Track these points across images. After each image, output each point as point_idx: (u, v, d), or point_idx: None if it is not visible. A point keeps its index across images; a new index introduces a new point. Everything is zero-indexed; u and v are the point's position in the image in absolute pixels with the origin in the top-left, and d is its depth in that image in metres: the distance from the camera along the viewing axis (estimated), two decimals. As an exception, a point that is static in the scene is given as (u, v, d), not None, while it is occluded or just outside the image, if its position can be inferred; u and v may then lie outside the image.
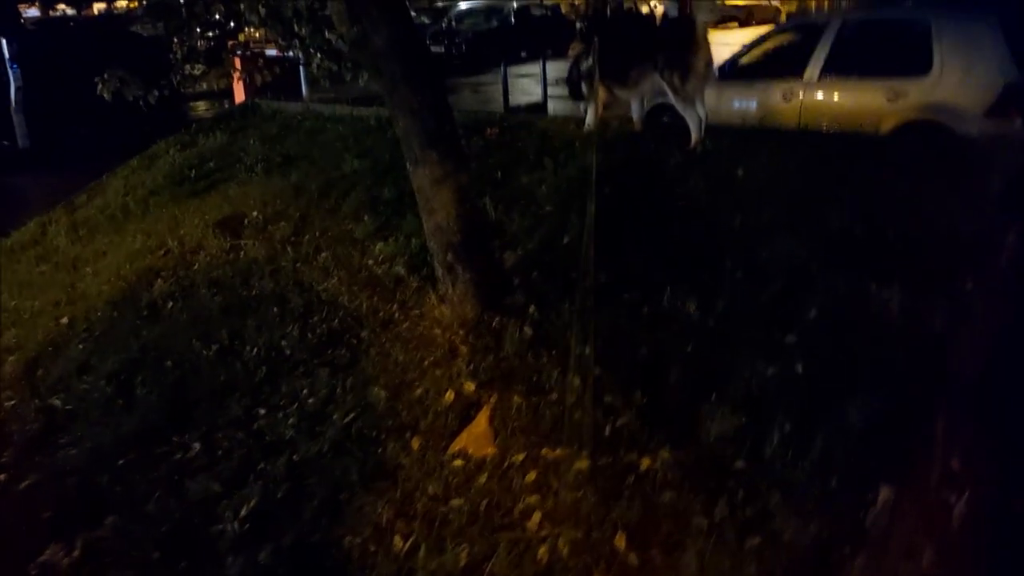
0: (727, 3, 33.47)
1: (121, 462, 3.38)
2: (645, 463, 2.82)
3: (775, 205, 4.29)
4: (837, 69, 6.56)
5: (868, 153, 5.21)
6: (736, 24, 30.85)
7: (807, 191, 4.45)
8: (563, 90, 6.33)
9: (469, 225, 3.82)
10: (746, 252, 3.87)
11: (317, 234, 5.13)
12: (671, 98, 5.49)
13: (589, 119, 5.94)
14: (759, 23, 28.14)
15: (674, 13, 5.66)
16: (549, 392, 3.28)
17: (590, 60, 5.66)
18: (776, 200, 4.35)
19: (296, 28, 3.32)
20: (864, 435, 2.72)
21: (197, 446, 3.42)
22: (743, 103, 7.43)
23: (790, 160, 5.00)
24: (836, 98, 6.58)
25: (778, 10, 32.10)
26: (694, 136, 5.39)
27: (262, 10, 3.18)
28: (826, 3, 29.53)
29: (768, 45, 7.67)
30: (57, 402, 3.88)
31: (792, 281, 3.58)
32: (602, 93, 5.77)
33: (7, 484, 3.34)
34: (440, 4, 29.61)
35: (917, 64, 5.92)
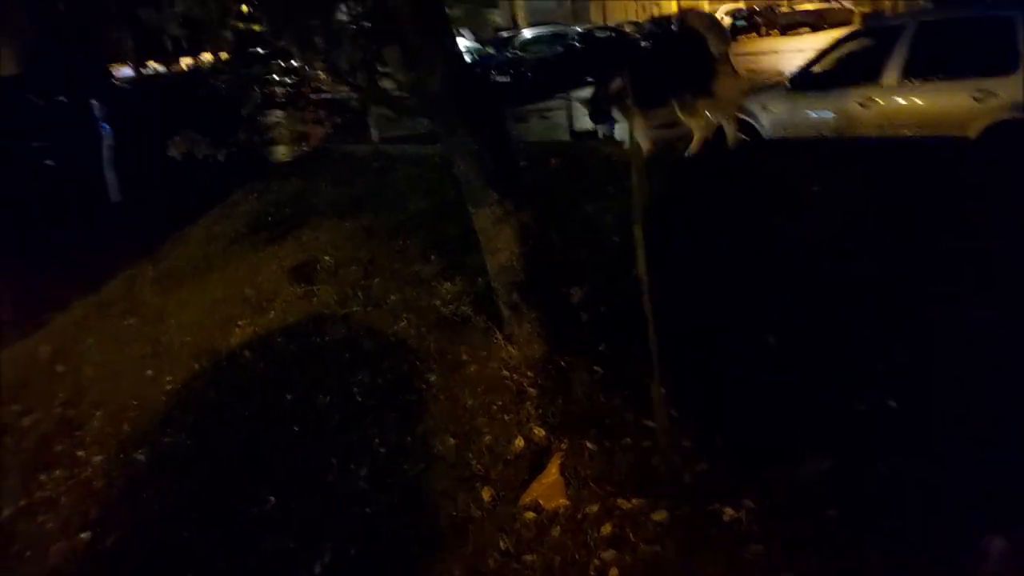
0: (797, 8, 32.78)
1: (200, 516, 3.41)
2: (728, 513, 2.65)
3: (861, 223, 4.08)
4: (917, 72, 6.26)
5: (956, 158, 4.93)
6: (808, 29, 30.13)
7: (894, 204, 4.21)
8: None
9: (533, 263, 3.74)
10: (832, 276, 3.67)
11: (387, 276, 5.14)
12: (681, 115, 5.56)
13: (622, 137, 5.92)
14: (832, 27, 27.38)
15: (679, 36, 5.63)
16: (623, 436, 3.15)
17: (619, 81, 5.63)
18: (862, 218, 4.13)
19: (352, 78, 3.34)
20: (969, 478, 2.50)
21: (272, 499, 3.43)
22: (818, 113, 7.17)
23: (874, 172, 4.77)
24: (918, 102, 6.27)
25: (851, 12, 31.18)
26: (729, 136, 5.49)
27: (320, 64, 3.21)
28: (900, 4, 28.56)
29: (841, 51, 7.40)
30: (141, 456, 3.96)
31: (883, 307, 3.37)
32: (636, 115, 5.72)
33: (92, 543, 3.40)
34: (505, 34, 29.96)
35: (1003, 62, 5.59)
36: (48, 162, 14.08)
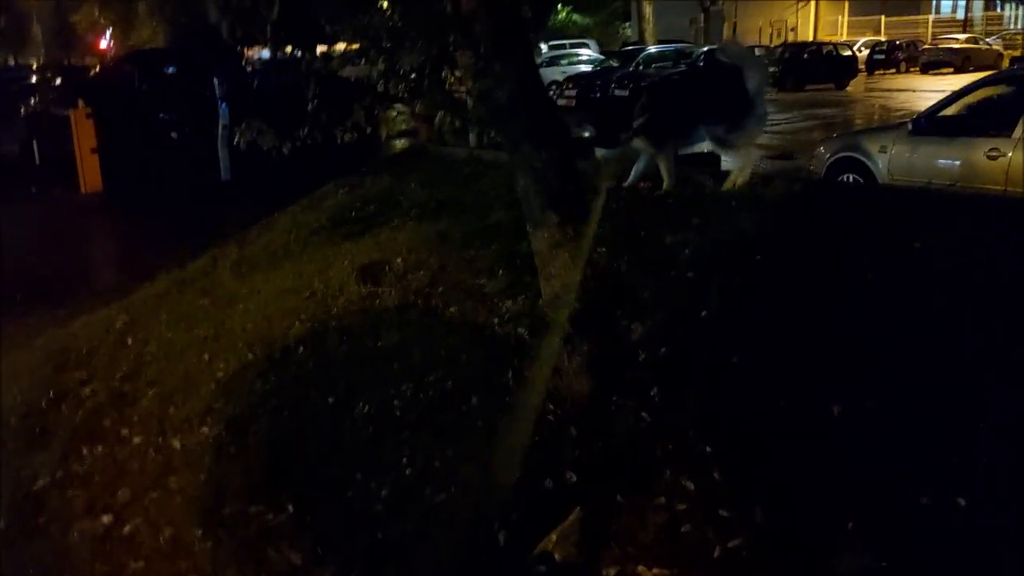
0: (941, 46, 31.06)
1: (216, 517, 3.35)
2: (755, 601, 2.37)
3: (960, 289, 3.66)
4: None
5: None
6: (951, 70, 28.46)
7: (1003, 275, 3.76)
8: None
9: (592, 293, 3.52)
10: (915, 347, 3.28)
11: (451, 286, 5.00)
12: (714, 147, 5.52)
13: (634, 175, 5.83)
14: (977, 69, 25.74)
15: (720, 67, 5.45)
16: (657, 495, 2.88)
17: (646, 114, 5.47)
18: (963, 285, 3.70)
19: (416, 81, 3.22)
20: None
21: (290, 508, 3.33)
22: (940, 161, 6.68)
23: (988, 233, 4.30)
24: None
25: (1000, 55, 29.26)
26: (727, 182, 5.39)
27: (382, 64, 3.10)
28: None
29: (974, 97, 6.87)
30: (177, 444, 3.95)
31: (968, 388, 2.98)
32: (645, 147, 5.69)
33: (111, 528, 3.39)
34: (629, 48, 29.66)
35: None
36: (172, 134, 14.78)
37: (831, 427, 2.95)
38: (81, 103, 13.35)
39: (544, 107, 3.40)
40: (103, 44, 37.23)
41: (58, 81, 23.74)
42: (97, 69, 20.16)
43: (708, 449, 3.02)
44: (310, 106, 3.52)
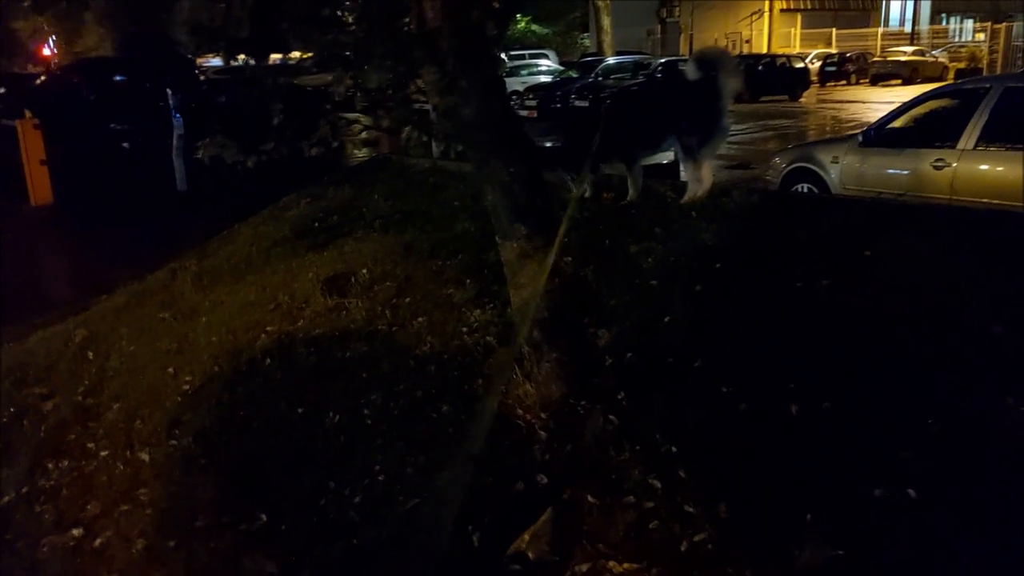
0: (890, 59, 32.00)
1: (188, 528, 3.35)
2: (722, 592, 2.47)
3: (908, 295, 3.82)
4: (998, 138, 5.97)
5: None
6: (899, 82, 29.38)
7: (948, 279, 3.94)
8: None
9: (558, 302, 3.61)
10: (866, 349, 3.43)
11: (418, 297, 5.05)
12: (681, 157, 5.58)
13: (587, 190, 5.91)
14: (925, 81, 26.61)
15: (695, 75, 5.49)
16: (626, 494, 2.98)
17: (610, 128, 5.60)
18: (911, 289, 3.87)
19: (383, 97, 3.28)
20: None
21: (264, 517, 3.35)
22: (889, 171, 6.92)
23: (935, 240, 4.49)
24: (996, 169, 5.97)
25: (945, 67, 30.30)
26: (688, 194, 5.48)
27: (348, 82, 3.16)
28: (999, 61, 27.62)
29: (921, 109, 7.13)
30: (145, 457, 3.94)
31: (916, 387, 3.13)
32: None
33: (82, 541, 3.38)
34: (589, 59, 29.99)
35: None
36: (124, 144, 14.57)
37: (790, 425, 3.08)
38: (28, 113, 13.07)
39: (510, 121, 3.48)
40: (47, 51, 36.35)
41: (1, 90, 23.16)
42: (43, 78, 19.71)
43: (674, 449, 3.12)
44: (275, 121, 3.55)
